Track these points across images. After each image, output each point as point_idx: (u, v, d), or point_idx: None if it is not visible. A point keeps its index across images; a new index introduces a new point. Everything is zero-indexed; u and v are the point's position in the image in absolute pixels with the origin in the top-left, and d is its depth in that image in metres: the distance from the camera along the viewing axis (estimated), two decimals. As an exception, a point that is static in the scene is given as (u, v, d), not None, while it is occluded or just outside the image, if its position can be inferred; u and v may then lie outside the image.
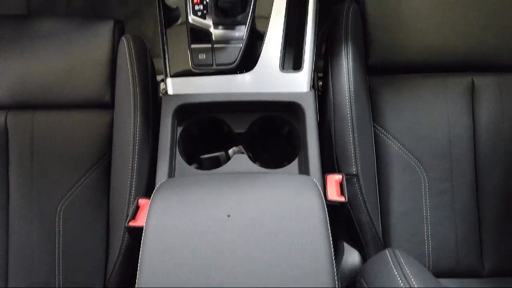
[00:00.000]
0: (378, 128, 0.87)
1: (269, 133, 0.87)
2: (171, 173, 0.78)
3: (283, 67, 0.84)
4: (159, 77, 0.93)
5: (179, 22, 0.85)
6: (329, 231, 0.60)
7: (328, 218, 0.61)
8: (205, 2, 0.83)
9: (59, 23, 0.92)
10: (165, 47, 0.85)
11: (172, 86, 0.84)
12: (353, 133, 0.80)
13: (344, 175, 0.75)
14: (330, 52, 0.87)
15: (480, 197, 0.85)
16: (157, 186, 0.69)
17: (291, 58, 0.86)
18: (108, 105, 0.88)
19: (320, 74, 0.93)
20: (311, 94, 0.83)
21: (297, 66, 0.85)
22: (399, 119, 0.87)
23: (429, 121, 0.86)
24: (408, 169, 0.85)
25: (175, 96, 0.83)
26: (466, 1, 0.89)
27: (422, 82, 0.88)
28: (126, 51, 0.84)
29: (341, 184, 0.73)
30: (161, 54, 0.85)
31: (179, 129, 0.83)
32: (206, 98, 0.82)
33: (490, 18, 0.89)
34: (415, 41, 0.88)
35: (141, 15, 1.44)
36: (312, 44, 0.85)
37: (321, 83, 0.93)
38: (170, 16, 0.86)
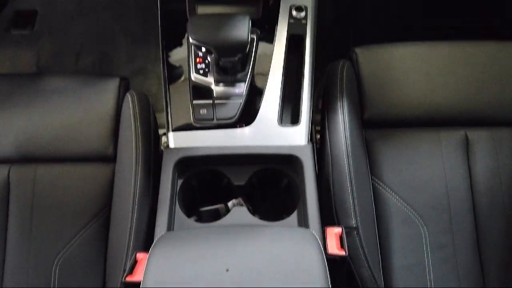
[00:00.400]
0: (376, 180, 0.88)
1: (268, 185, 0.88)
2: (170, 226, 0.78)
3: (281, 121, 0.87)
4: (161, 131, 0.96)
5: (182, 79, 0.90)
6: (330, 285, 0.58)
7: (328, 272, 0.60)
8: (207, 62, 0.88)
9: (66, 80, 0.96)
10: (168, 102, 0.88)
11: (174, 139, 0.86)
12: (351, 185, 0.80)
13: (343, 228, 0.74)
14: (326, 107, 0.90)
15: (482, 250, 0.84)
16: (156, 239, 0.69)
17: (289, 112, 0.89)
18: (110, 158, 0.90)
19: (318, 128, 0.96)
20: (309, 147, 0.85)
21: (295, 120, 0.88)
22: (397, 172, 0.88)
23: (426, 173, 0.87)
24: (408, 221, 0.85)
25: (176, 149, 0.85)
26: (455, 59, 0.93)
27: (416, 136, 0.90)
28: (131, 106, 0.88)
29: (341, 237, 0.73)
30: (164, 109, 0.88)
31: (179, 182, 0.84)
32: (206, 151, 0.84)
33: (480, 74, 0.92)
34: (407, 97, 0.91)
35: (146, 73, 1.50)
36: (309, 99, 0.89)
37: (318, 136, 0.95)
38: (174, 74, 0.90)
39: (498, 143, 0.89)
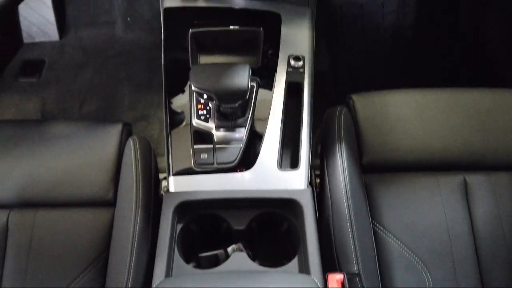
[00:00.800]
0: (377, 225, 0.87)
1: (268, 230, 0.88)
2: (168, 272, 0.76)
3: (281, 165, 0.88)
4: (161, 175, 0.96)
5: (183, 124, 0.92)
6: None
7: None
8: (208, 108, 0.90)
9: (70, 126, 0.97)
10: (170, 147, 0.90)
11: (174, 184, 0.87)
12: (352, 230, 0.80)
13: (345, 274, 0.73)
14: (325, 152, 0.92)
15: None
16: (154, 286, 0.68)
17: (289, 157, 0.91)
18: (110, 203, 0.89)
19: (317, 172, 0.97)
20: (309, 191, 0.85)
21: (294, 164, 0.89)
22: (397, 217, 0.87)
23: (427, 218, 0.87)
24: (411, 268, 0.83)
25: (176, 193, 0.85)
26: (450, 105, 0.95)
27: (416, 181, 0.91)
28: (132, 151, 0.89)
29: (343, 284, 0.71)
30: (165, 154, 0.89)
31: (179, 227, 0.83)
32: (206, 195, 0.84)
33: (475, 120, 0.94)
34: (404, 142, 0.93)
35: (148, 118, 1.53)
36: (308, 144, 0.90)
37: (318, 180, 0.96)
38: (176, 119, 0.92)
39: (497, 188, 0.89)
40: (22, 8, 1.70)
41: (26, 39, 1.73)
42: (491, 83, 1.04)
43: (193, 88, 0.80)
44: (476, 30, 1.62)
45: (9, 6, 0.75)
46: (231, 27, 1.00)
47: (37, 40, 1.73)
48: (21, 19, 1.71)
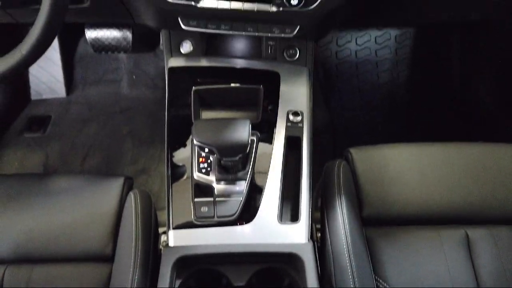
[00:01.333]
0: (380, 281, 0.85)
1: (269, 285, 0.85)
2: (165, 331, 0.73)
3: (281, 219, 0.88)
4: (161, 229, 0.96)
5: (184, 177, 0.93)
6: None
7: None
8: (209, 161, 0.92)
9: (71, 180, 0.98)
10: (170, 200, 0.90)
11: (174, 238, 0.86)
12: (354, 285, 0.78)
13: None
14: (325, 205, 0.92)
15: None
16: None
17: (289, 210, 0.91)
18: (108, 258, 0.88)
19: (318, 226, 0.96)
20: (310, 245, 0.84)
21: (294, 218, 0.89)
22: (400, 272, 0.85)
23: (430, 274, 0.85)
24: None
25: (175, 248, 0.84)
26: (447, 159, 0.97)
27: (417, 235, 0.90)
28: (133, 205, 0.89)
29: None
30: (166, 208, 0.89)
31: (177, 282, 0.81)
32: (206, 249, 0.83)
33: (473, 174, 0.95)
34: (404, 195, 0.93)
35: (149, 172, 1.55)
36: (308, 197, 0.91)
37: (319, 234, 0.95)
38: (177, 173, 0.93)
39: (499, 242, 0.88)
40: (32, 66, 1.77)
41: (33, 96, 1.79)
42: (485, 138, 1.06)
43: (195, 142, 0.82)
44: (467, 88, 1.68)
45: (21, 69, 0.79)
46: (233, 84, 1.05)
47: (44, 97, 1.78)
48: (30, 76, 1.78)
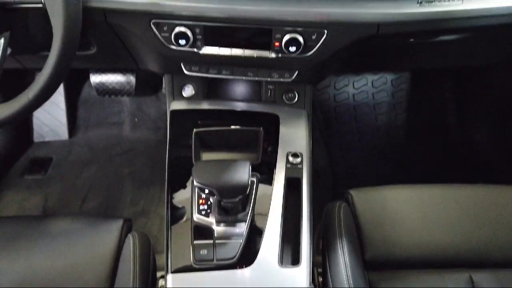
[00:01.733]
0: (385, 327, 0.83)
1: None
2: None
3: (281, 262, 0.86)
4: (159, 273, 0.94)
5: (184, 219, 0.92)
6: None
7: None
8: (209, 203, 0.92)
9: (70, 222, 0.97)
10: (169, 243, 0.89)
11: (172, 282, 0.84)
12: (358, 332, 0.75)
13: None
14: (326, 248, 0.91)
15: None
16: None
17: (289, 253, 0.89)
18: None
19: (320, 270, 0.94)
20: (311, 290, 0.82)
21: (295, 261, 0.87)
22: None
23: None
24: None
25: None
26: (448, 201, 0.96)
27: (420, 279, 0.88)
28: (131, 248, 0.88)
29: None
30: (165, 250, 0.88)
31: None
32: None
33: (475, 216, 0.94)
34: (406, 238, 0.91)
35: (148, 214, 1.53)
36: (309, 240, 0.89)
37: (321, 279, 0.93)
38: (176, 215, 0.93)
39: (506, 286, 0.86)
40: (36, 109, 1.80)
41: (36, 138, 1.81)
42: (483, 181, 1.07)
43: (195, 183, 0.83)
44: (464, 131, 1.71)
45: (26, 114, 0.81)
46: (233, 127, 1.07)
47: (47, 139, 1.80)
48: (34, 119, 1.81)
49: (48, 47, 0.76)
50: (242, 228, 0.88)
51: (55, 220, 0.99)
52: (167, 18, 0.84)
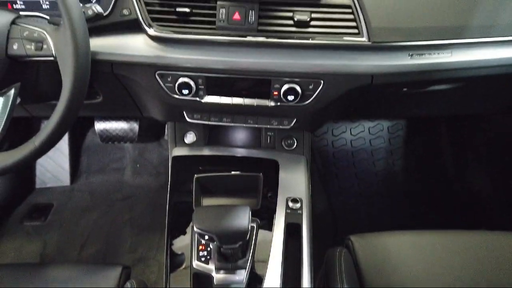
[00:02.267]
0: None
1: None
2: None
3: (283, 311, 0.85)
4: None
5: (183, 266, 0.91)
6: None
7: None
8: (209, 249, 0.92)
9: (67, 270, 0.96)
10: (168, 291, 0.88)
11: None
12: None
13: None
14: None
15: None
16: None
17: None
18: None
19: (321, 319, 0.92)
20: None
21: (296, 309, 0.85)
22: None
23: None
24: None
25: None
26: (450, 247, 0.95)
27: None
28: None
29: None
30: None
31: None
32: None
33: (477, 263, 0.92)
34: (407, 284, 0.89)
35: (147, 261, 1.51)
36: (310, 286, 0.88)
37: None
38: (176, 261, 0.92)
39: None
40: (40, 156, 1.83)
41: (38, 185, 1.82)
42: (484, 224, 1.07)
43: (195, 229, 0.83)
44: (462, 176, 1.72)
45: (31, 161, 0.82)
46: (233, 172, 1.09)
47: (48, 185, 1.82)
48: (37, 165, 1.83)
49: (56, 97, 0.79)
50: (242, 276, 0.87)
51: (53, 268, 0.98)
52: (171, 69, 0.88)
